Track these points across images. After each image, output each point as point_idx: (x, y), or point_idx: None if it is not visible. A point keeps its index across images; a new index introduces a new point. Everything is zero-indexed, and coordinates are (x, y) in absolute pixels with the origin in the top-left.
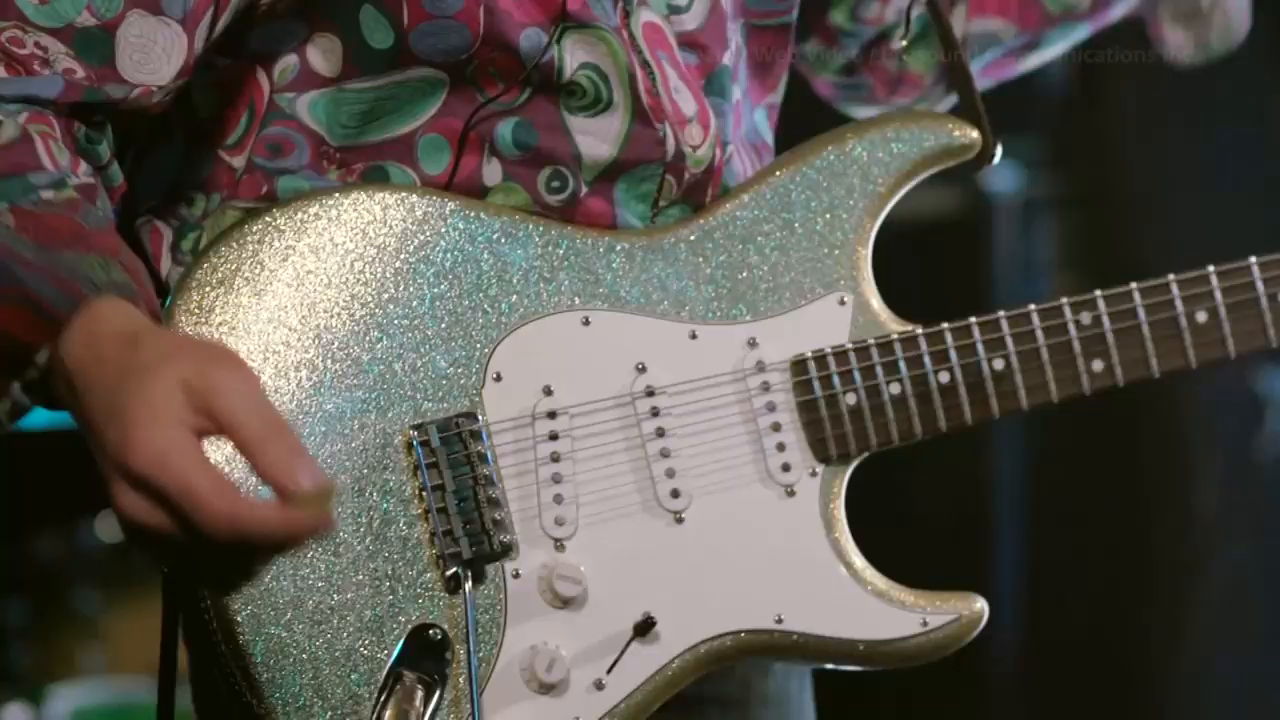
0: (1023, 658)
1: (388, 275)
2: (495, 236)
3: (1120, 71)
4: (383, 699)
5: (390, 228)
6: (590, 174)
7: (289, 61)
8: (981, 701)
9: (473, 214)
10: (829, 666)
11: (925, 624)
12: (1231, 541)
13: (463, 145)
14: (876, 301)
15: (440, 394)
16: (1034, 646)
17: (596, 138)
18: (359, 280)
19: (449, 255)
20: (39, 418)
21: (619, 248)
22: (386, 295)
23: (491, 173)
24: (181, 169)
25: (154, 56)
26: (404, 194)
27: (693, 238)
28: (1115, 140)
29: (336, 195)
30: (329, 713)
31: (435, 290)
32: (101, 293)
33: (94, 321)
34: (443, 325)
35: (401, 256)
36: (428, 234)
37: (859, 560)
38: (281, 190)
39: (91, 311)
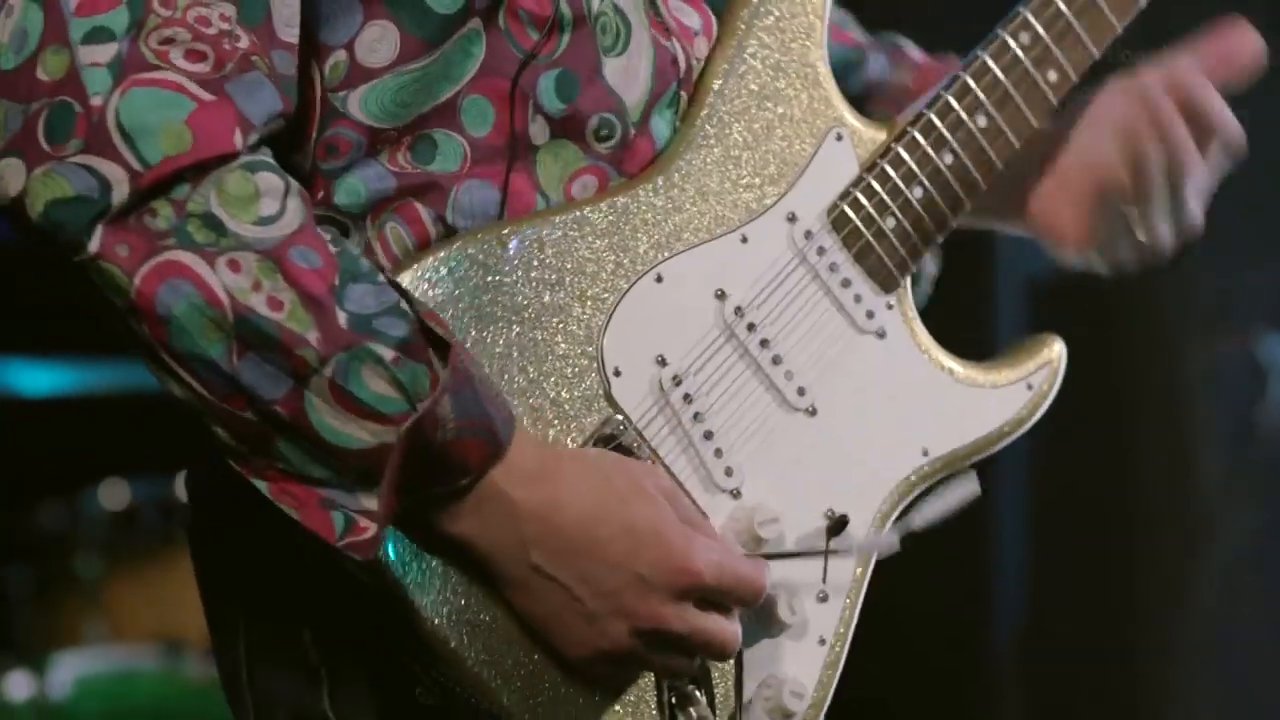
0: (1023, 634)
1: (486, 338)
2: (552, 245)
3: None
4: (672, 711)
5: (461, 288)
6: (635, 114)
7: (339, 58)
8: (983, 679)
9: (525, 236)
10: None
11: (1030, 386)
12: (1233, 511)
13: (512, 106)
14: (860, 121)
15: (578, 415)
16: (1034, 623)
17: (631, 76)
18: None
19: (523, 291)
20: (41, 385)
21: (646, 192)
22: (495, 354)
23: (538, 131)
24: None
25: (291, 3)
26: (457, 248)
27: (699, 146)
28: None
29: (405, 276)
30: None
31: (528, 327)
32: (514, 411)
33: (533, 447)
34: (552, 359)
35: (485, 313)
36: (496, 279)
37: (956, 363)
38: (338, 193)
39: (525, 438)
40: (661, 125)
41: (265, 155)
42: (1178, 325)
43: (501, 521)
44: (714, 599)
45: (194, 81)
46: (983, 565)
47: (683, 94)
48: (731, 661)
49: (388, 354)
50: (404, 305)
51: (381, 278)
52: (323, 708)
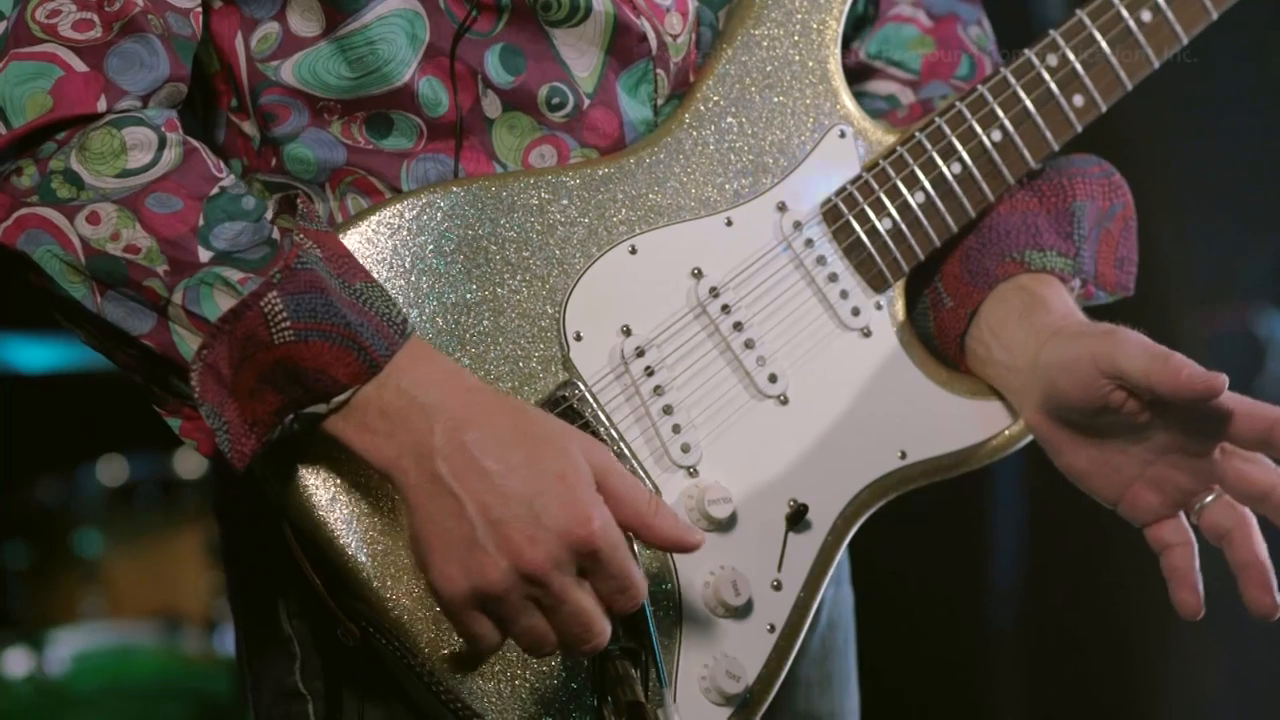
0: (1020, 612)
1: (441, 285)
2: (524, 206)
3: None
4: (600, 684)
5: (425, 236)
6: (588, 85)
7: (269, 30)
8: (982, 665)
9: (489, 194)
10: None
11: None
12: None
13: (455, 81)
14: (868, 121)
15: (534, 375)
16: (1032, 601)
17: (581, 49)
18: (419, 298)
19: (488, 246)
20: (39, 361)
21: (631, 165)
22: (450, 302)
23: (491, 105)
24: (203, 133)
25: None
26: (420, 197)
27: (690, 128)
28: (1123, 126)
29: (359, 224)
30: (549, 709)
31: (490, 281)
32: (408, 334)
33: (430, 361)
34: (511, 313)
35: (447, 259)
36: (462, 230)
37: (947, 372)
38: (288, 159)
39: (420, 352)
40: (630, 101)
41: (143, 113)
42: (1175, 301)
43: (412, 427)
44: (598, 575)
45: (75, 51)
46: (981, 543)
47: (659, 72)
48: (663, 633)
49: (235, 275)
50: (275, 236)
51: (268, 216)
52: (294, 680)
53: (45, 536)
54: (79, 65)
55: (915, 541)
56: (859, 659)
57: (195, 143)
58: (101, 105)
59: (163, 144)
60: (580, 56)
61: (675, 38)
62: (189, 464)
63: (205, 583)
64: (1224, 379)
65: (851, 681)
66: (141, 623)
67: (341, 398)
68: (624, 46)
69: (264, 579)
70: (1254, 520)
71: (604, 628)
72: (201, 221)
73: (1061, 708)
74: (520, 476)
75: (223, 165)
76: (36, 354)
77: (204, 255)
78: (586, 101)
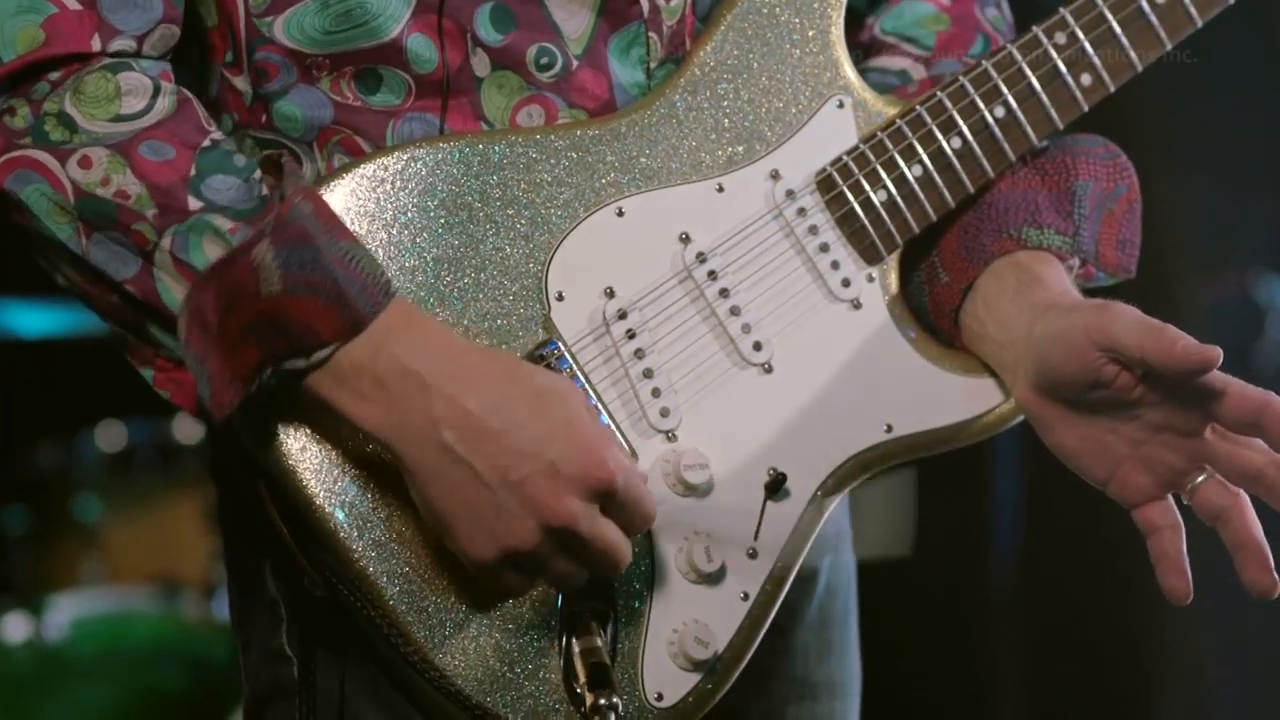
0: (1019, 586)
1: (424, 239)
2: (511, 163)
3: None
4: (567, 643)
5: (408, 190)
6: (578, 46)
7: None
8: (983, 633)
9: (476, 151)
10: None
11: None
12: None
13: (443, 38)
14: (869, 93)
15: (513, 333)
16: (1032, 579)
17: (572, 10)
18: (400, 252)
19: (473, 202)
20: (38, 326)
21: (622, 128)
22: (431, 256)
23: (480, 64)
24: (197, 87)
25: None
26: (405, 152)
27: (684, 92)
28: (1122, 91)
29: (343, 177)
30: (513, 667)
31: (473, 237)
32: (392, 294)
33: (419, 326)
34: (493, 270)
35: (430, 214)
36: (447, 185)
37: (935, 346)
38: (277, 116)
39: (407, 315)
40: (621, 64)
41: (137, 62)
42: (1175, 266)
43: (410, 398)
44: (615, 509)
45: None
46: (982, 511)
47: (651, 35)
48: (634, 596)
49: (225, 224)
50: (265, 192)
51: (257, 176)
52: (280, 642)
53: (44, 502)
54: (72, 2)
55: (918, 508)
56: (860, 627)
57: (188, 93)
58: (96, 44)
59: (157, 91)
60: (571, 18)
61: (669, 1)
62: (187, 429)
63: (204, 548)
64: (1218, 352)
65: (852, 649)
66: (140, 588)
67: (322, 354)
68: (616, 9)
69: (252, 541)
70: (1248, 499)
71: (629, 552)
72: (193, 171)
73: (1062, 676)
74: (529, 432)
75: (211, 120)
76: (36, 319)
77: (194, 204)
78: (575, 63)
